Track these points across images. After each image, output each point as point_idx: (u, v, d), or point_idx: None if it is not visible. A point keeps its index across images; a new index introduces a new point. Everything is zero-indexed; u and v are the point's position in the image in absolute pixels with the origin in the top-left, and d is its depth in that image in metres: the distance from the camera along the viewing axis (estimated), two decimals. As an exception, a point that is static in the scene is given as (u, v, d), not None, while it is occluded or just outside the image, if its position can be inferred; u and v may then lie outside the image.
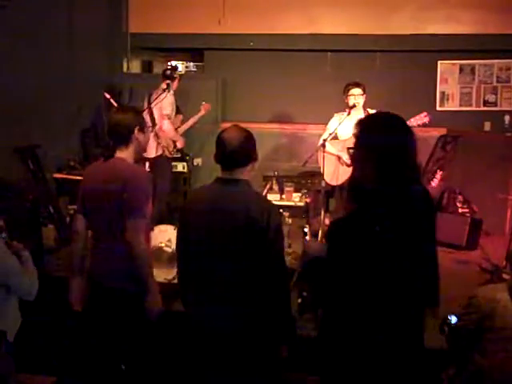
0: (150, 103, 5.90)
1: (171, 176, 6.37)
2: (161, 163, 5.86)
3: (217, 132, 2.71)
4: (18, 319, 2.90)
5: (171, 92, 6.00)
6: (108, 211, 2.86)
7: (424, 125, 5.20)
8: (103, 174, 2.92)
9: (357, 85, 5.26)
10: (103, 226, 2.92)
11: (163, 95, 5.82)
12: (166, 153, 6.02)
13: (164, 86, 5.91)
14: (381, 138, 2.05)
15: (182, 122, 6.40)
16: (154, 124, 5.77)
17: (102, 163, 2.97)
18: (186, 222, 2.69)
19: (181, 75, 6.38)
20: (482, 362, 2.58)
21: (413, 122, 5.15)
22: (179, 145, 6.13)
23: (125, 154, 2.92)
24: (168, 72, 6.09)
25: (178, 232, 2.78)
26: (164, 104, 5.90)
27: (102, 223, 2.92)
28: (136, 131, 2.93)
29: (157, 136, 5.87)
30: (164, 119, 5.92)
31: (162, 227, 4.50)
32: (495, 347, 2.54)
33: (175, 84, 6.09)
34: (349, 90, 5.25)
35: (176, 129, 6.19)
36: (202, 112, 6.40)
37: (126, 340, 2.90)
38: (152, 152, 5.74)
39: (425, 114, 5.13)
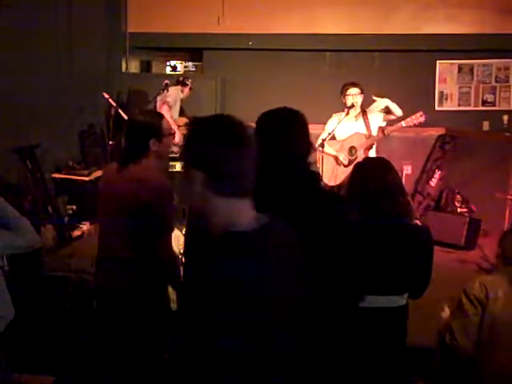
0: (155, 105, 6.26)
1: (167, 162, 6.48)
2: None
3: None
4: (10, 309, 2.63)
5: (179, 88, 6.64)
6: (128, 220, 2.80)
7: (420, 124, 5.17)
8: (127, 181, 2.81)
9: (354, 84, 5.25)
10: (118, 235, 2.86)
11: (170, 90, 6.36)
12: None
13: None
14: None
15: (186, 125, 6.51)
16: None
17: (120, 170, 2.86)
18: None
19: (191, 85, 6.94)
20: (475, 353, 2.57)
21: (409, 122, 5.12)
22: (176, 138, 6.18)
23: (145, 162, 2.84)
24: (181, 78, 6.84)
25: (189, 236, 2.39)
26: (170, 93, 6.36)
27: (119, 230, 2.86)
28: (151, 143, 2.84)
29: None
30: (164, 105, 6.35)
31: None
32: (490, 339, 2.55)
33: (186, 91, 6.76)
34: (346, 90, 5.24)
35: (178, 126, 6.26)
36: None
37: (127, 340, 2.91)
38: None
39: (420, 113, 5.10)
